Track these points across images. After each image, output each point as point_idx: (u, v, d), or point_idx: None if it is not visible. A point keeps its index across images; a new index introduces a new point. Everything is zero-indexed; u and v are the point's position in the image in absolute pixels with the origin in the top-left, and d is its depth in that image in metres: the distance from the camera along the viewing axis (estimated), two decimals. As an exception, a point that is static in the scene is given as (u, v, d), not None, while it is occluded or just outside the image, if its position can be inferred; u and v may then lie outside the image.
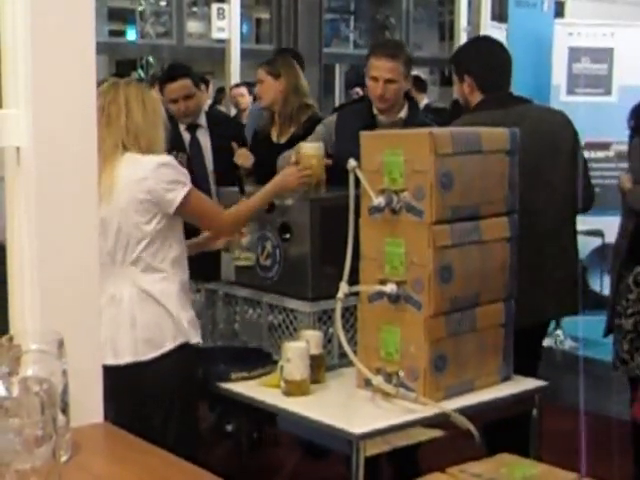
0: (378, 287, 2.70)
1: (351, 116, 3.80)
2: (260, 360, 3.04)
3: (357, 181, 2.72)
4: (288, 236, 3.13)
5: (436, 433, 2.71)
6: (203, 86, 5.72)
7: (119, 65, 17.72)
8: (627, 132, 4.13)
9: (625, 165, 5.51)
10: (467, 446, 2.65)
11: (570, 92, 5.96)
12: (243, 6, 11.54)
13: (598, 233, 5.70)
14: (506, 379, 2.92)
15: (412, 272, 2.65)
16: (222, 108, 9.34)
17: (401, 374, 2.68)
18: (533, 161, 3.31)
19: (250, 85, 8.87)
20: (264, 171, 3.89)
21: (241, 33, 11.08)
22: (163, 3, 19.05)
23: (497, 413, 2.90)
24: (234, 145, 4.23)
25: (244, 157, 4.19)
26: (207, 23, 13.89)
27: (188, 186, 2.83)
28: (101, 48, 12.61)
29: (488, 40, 3.92)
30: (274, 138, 4.30)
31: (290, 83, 4.27)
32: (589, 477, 2.35)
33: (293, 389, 2.76)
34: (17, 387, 1.33)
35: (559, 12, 6.61)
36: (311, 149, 3.26)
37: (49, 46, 1.68)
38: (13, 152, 1.70)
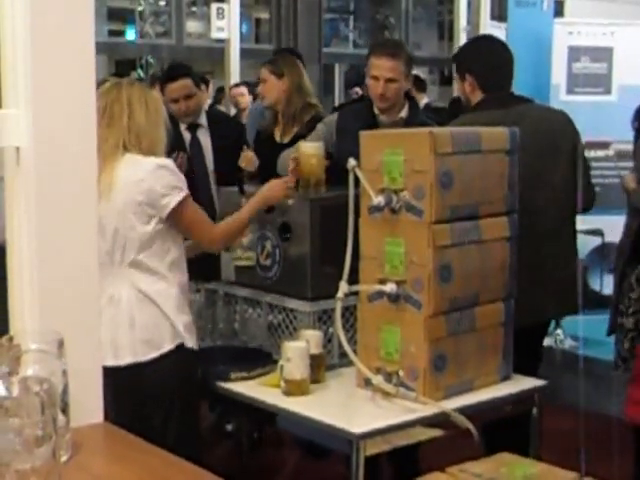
0: (378, 287, 2.70)
1: (352, 116, 3.80)
2: (260, 360, 3.04)
3: (357, 180, 2.73)
4: (288, 236, 3.13)
5: (436, 433, 2.71)
6: (203, 86, 5.71)
7: (118, 65, 17.72)
8: (627, 131, 4.13)
9: (625, 164, 5.51)
10: (467, 445, 2.65)
11: (570, 91, 5.95)
12: (242, 6, 11.53)
13: (598, 232, 5.70)
14: (506, 378, 2.92)
15: (412, 272, 2.65)
16: (221, 108, 9.34)
17: (401, 374, 2.68)
18: (533, 161, 3.31)
19: (250, 85, 8.88)
20: (267, 171, 3.90)
21: (240, 33, 11.07)
22: (162, 3, 19.05)
23: (497, 412, 2.90)
24: (245, 150, 4.20)
25: (248, 161, 4.17)
26: (206, 23, 13.90)
27: (184, 192, 2.82)
28: (100, 48, 12.60)
29: (490, 39, 3.91)
30: (277, 138, 4.29)
31: (293, 82, 4.26)
32: (589, 476, 2.36)
33: (293, 389, 2.76)
34: (17, 387, 1.33)
35: (559, 11, 6.60)
36: (311, 148, 3.26)
37: (49, 46, 1.68)
38: (13, 152, 1.70)
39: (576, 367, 4.23)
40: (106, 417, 1.81)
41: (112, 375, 2.01)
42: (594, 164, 4.00)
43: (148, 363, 2.79)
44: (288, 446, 4.45)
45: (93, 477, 1.56)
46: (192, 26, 19.04)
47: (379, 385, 2.67)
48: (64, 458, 1.51)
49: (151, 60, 18.23)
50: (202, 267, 3.19)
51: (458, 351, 2.75)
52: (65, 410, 1.54)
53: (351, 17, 22.44)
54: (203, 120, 4.42)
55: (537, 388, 2.95)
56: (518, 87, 3.71)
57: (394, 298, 2.68)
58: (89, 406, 1.75)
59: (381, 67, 3.64)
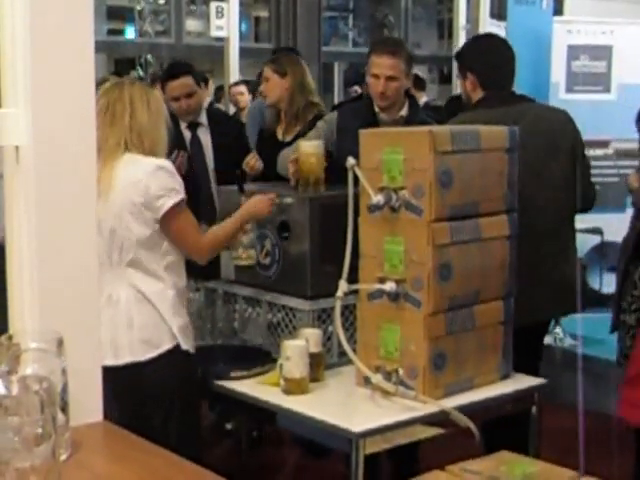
0: (377, 285, 2.70)
1: (352, 114, 3.79)
2: (259, 358, 3.04)
3: (356, 179, 2.73)
4: (287, 234, 3.13)
5: (435, 431, 2.71)
6: (203, 84, 5.71)
7: (118, 64, 17.72)
8: (626, 129, 4.13)
9: (624, 163, 5.51)
10: (467, 444, 2.66)
11: (569, 90, 5.95)
12: (242, 4, 11.52)
13: (597, 231, 5.69)
14: (505, 377, 2.92)
15: (411, 270, 2.65)
16: (220, 106, 9.34)
17: (400, 372, 2.68)
18: (533, 160, 3.31)
19: (249, 83, 8.88)
20: (270, 170, 3.89)
21: (240, 31, 11.05)
22: (162, 1, 19.07)
23: (496, 411, 2.90)
24: (250, 156, 4.18)
25: (252, 167, 4.15)
26: (206, 21, 13.91)
27: (180, 196, 2.81)
28: (100, 47, 12.61)
29: (492, 38, 3.91)
30: (280, 136, 4.28)
31: (296, 81, 4.25)
32: (588, 475, 2.35)
33: (292, 387, 2.76)
34: (16, 386, 1.33)
35: (558, 10, 6.58)
36: (310, 147, 3.26)
37: (48, 45, 1.68)
38: (12, 151, 1.70)
39: (575, 365, 4.23)
40: (106, 417, 1.81)
41: (112, 375, 2.01)
42: (593, 163, 3.99)
43: (147, 363, 2.79)
44: (288, 445, 4.45)
45: (93, 476, 1.56)
46: (191, 25, 19.06)
47: (379, 384, 2.67)
48: (63, 457, 1.52)
49: (150, 59, 18.23)
50: (202, 266, 3.19)
51: (458, 349, 2.75)
52: (64, 409, 1.54)
53: (350, 16, 22.46)
54: (203, 119, 4.42)
55: (536, 387, 2.95)
56: (517, 85, 3.71)
57: (394, 297, 2.68)
58: (88, 405, 1.75)
59: (382, 65, 3.64)
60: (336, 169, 3.03)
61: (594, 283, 5.83)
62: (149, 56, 18.26)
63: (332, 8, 21.48)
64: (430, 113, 4.72)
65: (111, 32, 18.91)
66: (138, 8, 19.03)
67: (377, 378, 2.67)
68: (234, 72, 10.26)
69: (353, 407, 2.75)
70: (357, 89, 11.17)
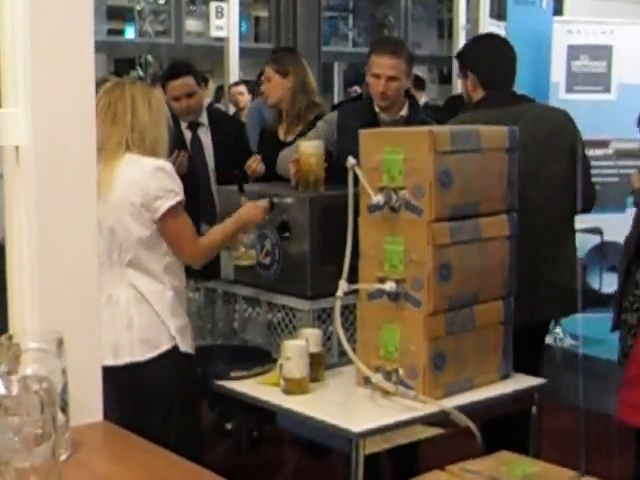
0: (377, 285, 2.70)
1: (353, 114, 3.79)
2: (259, 358, 3.04)
3: (356, 179, 2.73)
4: (287, 234, 3.13)
5: (436, 431, 2.71)
6: (203, 84, 5.71)
7: (118, 64, 17.72)
8: (626, 130, 4.13)
9: (624, 163, 5.51)
10: (467, 444, 2.66)
11: (569, 90, 5.95)
12: (242, 4, 11.52)
13: (597, 231, 5.69)
14: (505, 377, 2.92)
15: (411, 270, 2.65)
16: (220, 106, 9.34)
17: (400, 372, 2.68)
18: (532, 160, 3.31)
19: (249, 83, 8.88)
20: (271, 170, 3.89)
21: (240, 31, 11.06)
22: (162, 1, 19.07)
23: (496, 411, 2.90)
24: (252, 159, 4.18)
25: (253, 171, 4.14)
26: (206, 21, 13.91)
27: (179, 198, 2.81)
28: (100, 47, 12.61)
29: (493, 38, 3.91)
30: (281, 136, 4.28)
31: (298, 81, 4.24)
32: (588, 475, 2.35)
33: (292, 387, 2.76)
34: (16, 386, 1.33)
35: (558, 10, 6.58)
36: (310, 147, 3.26)
37: (48, 45, 1.68)
38: (12, 151, 1.70)
39: (575, 365, 4.23)
40: (106, 417, 1.81)
41: (112, 375, 2.01)
42: (593, 163, 3.99)
43: (147, 363, 2.79)
44: (288, 445, 4.45)
45: (93, 476, 1.56)
46: (191, 25, 19.06)
47: (379, 384, 2.67)
48: (63, 457, 1.52)
49: (150, 59, 18.23)
50: (202, 266, 3.19)
51: (458, 349, 2.75)
52: (64, 409, 1.54)
53: (350, 15, 22.46)
54: (204, 118, 4.41)
55: (536, 387, 2.95)
56: (517, 85, 3.71)
57: (394, 297, 2.68)
58: (89, 405, 1.75)
59: (382, 65, 3.64)
60: (336, 169, 3.03)
61: (594, 283, 5.82)
62: (149, 56, 18.25)
63: (332, 8, 21.48)
64: (430, 113, 4.73)
65: (111, 32, 18.91)
66: (138, 8, 19.03)
67: (377, 378, 2.67)
68: (234, 72, 10.26)
69: (353, 407, 2.75)
70: (357, 89, 11.17)
